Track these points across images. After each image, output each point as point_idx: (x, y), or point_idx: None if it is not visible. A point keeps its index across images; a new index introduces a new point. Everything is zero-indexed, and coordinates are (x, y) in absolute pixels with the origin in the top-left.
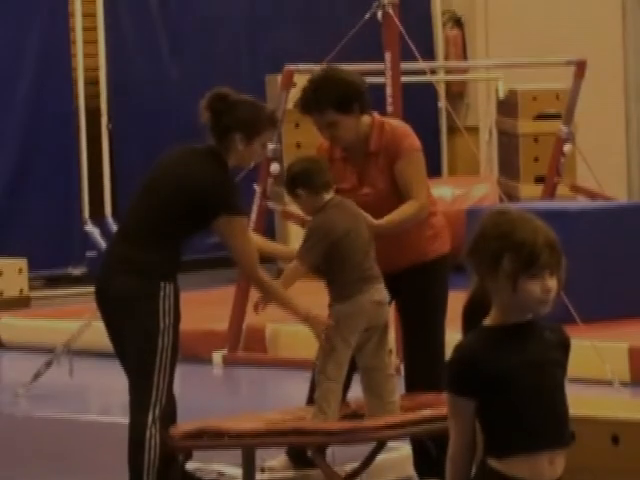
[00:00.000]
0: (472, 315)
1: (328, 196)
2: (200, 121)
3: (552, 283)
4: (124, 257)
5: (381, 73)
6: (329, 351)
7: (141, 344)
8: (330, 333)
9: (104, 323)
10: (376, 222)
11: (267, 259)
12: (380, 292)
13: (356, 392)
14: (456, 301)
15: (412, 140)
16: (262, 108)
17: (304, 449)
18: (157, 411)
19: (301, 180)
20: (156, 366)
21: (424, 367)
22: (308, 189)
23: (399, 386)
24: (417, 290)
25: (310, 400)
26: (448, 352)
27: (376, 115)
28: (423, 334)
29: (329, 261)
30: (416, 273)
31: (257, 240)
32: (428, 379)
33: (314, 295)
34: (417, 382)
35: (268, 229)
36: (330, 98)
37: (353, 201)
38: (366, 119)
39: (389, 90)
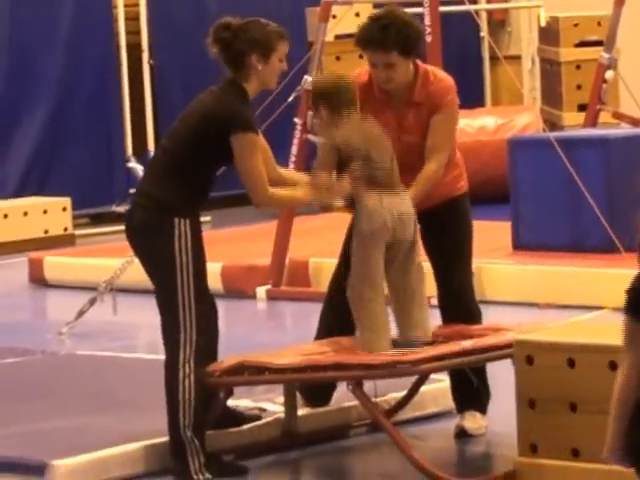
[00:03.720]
0: None
1: (348, 117)
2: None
3: None
4: (145, 192)
5: (419, 3)
6: (360, 277)
7: (160, 281)
8: (354, 246)
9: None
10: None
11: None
12: (405, 204)
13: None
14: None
15: (455, 95)
16: (268, 24)
17: (315, 387)
18: (188, 350)
19: (325, 97)
20: (179, 304)
21: (461, 292)
22: (330, 107)
23: (434, 317)
24: (450, 222)
25: (319, 335)
26: None
27: (420, 63)
28: (458, 263)
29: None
30: (446, 208)
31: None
32: (465, 303)
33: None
34: (454, 308)
35: (309, 162)
36: (399, 39)
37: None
38: (410, 66)
39: (428, 20)
